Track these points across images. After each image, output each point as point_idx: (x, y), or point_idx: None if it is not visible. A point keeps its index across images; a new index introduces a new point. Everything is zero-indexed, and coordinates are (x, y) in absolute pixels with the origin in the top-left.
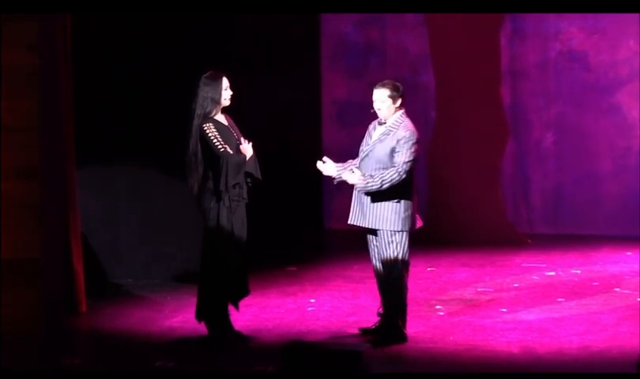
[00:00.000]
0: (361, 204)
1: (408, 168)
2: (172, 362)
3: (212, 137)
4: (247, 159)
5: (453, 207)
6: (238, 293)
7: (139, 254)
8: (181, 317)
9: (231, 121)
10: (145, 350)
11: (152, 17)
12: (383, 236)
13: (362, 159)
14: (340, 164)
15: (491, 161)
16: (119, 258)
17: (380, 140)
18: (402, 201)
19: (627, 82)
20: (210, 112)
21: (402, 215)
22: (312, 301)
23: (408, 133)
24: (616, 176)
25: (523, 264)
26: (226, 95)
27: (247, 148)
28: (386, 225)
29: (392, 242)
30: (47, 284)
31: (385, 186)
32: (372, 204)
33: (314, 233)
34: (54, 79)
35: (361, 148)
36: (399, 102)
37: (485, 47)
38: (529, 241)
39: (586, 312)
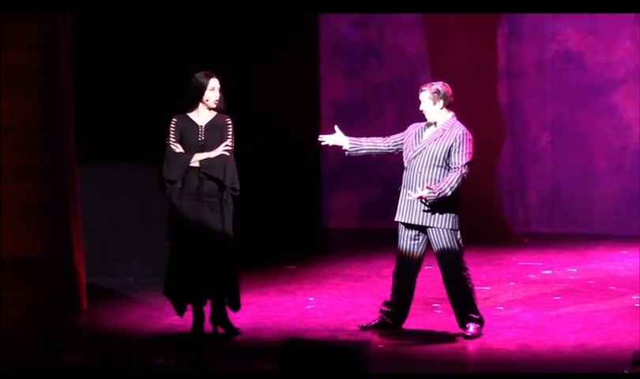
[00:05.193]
0: (411, 201)
1: (468, 169)
2: (172, 359)
3: (170, 131)
4: (203, 159)
5: None
6: (184, 295)
7: (140, 253)
8: None
9: (223, 123)
10: (146, 348)
11: (153, 17)
12: (441, 234)
13: (413, 157)
14: (354, 138)
15: (488, 160)
16: (120, 257)
17: (434, 139)
18: (457, 200)
19: (623, 82)
20: (187, 108)
21: (456, 213)
22: (311, 299)
23: (463, 131)
24: (612, 175)
25: (519, 263)
26: (210, 96)
27: (212, 152)
28: (446, 223)
29: (452, 239)
30: (48, 283)
31: (453, 191)
32: (425, 201)
33: (313, 232)
34: (54, 79)
35: (408, 147)
36: (440, 104)
37: (482, 48)
38: (526, 240)
39: (582, 310)
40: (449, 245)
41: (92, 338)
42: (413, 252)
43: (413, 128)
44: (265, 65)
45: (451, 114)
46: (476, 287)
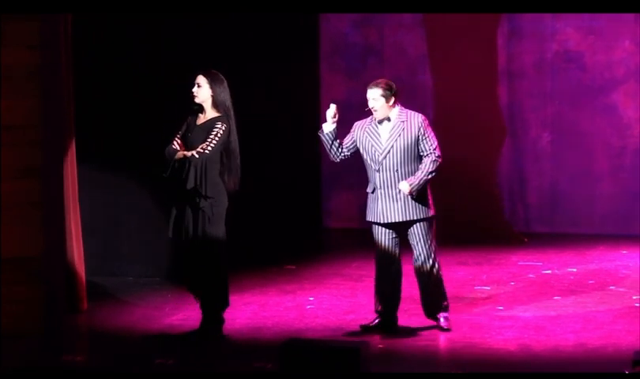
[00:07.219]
0: (394, 200)
1: (439, 150)
2: (172, 359)
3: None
4: (180, 157)
5: (450, 205)
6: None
7: (140, 253)
8: (181, 314)
9: (212, 126)
10: (146, 347)
11: (153, 17)
12: (422, 226)
13: (383, 158)
14: (334, 134)
15: (488, 160)
16: (120, 257)
17: (398, 135)
18: (427, 186)
19: (623, 82)
20: (195, 108)
21: (431, 200)
22: (311, 299)
23: (421, 118)
24: (612, 175)
25: (519, 263)
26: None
27: (188, 152)
28: (426, 212)
29: (430, 229)
30: (48, 282)
31: (432, 176)
32: (406, 197)
33: (313, 232)
34: (55, 78)
35: (368, 149)
36: (392, 100)
37: (482, 48)
38: (526, 239)
39: (582, 310)
40: (426, 235)
41: (92, 338)
42: (394, 246)
43: (361, 127)
44: (265, 65)
45: (398, 106)
46: (476, 287)
